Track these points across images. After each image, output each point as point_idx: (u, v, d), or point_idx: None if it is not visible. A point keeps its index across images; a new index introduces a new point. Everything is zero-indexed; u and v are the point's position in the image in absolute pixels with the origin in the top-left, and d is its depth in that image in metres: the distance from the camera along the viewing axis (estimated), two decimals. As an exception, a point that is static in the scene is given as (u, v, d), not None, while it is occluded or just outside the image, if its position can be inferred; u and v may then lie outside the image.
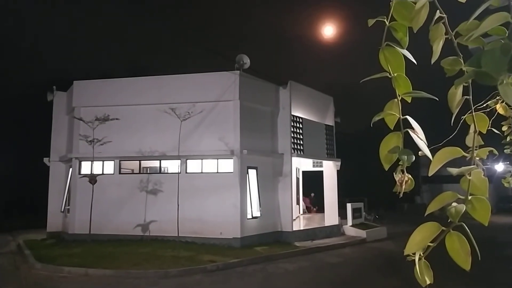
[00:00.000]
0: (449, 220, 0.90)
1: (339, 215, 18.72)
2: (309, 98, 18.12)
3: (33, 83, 26.52)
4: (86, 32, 41.92)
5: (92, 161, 15.16)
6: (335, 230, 18.01)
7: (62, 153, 17.60)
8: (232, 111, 15.22)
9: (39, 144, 19.37)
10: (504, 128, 2.80)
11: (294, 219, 16.95)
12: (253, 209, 15.32)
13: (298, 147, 16.96)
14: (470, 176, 0.93)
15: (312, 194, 25.76)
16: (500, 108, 2.25)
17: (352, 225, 18.26)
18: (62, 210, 17.36)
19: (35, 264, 11.35)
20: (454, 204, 0.91)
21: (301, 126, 17.25)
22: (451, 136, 1.75)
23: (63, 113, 18.03)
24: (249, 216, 15.04)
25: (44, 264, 11.16)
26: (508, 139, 2.82)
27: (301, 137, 17.17)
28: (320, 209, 22.78)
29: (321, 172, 19.83)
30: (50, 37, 38.50)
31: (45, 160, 18.01)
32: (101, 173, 15.57)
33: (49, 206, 17.59)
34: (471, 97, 1.01)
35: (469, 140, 1.17)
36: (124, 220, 15.31)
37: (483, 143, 1.19)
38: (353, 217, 18.59)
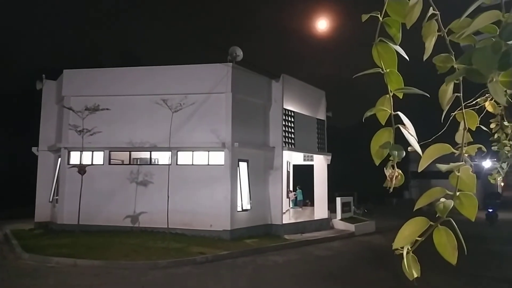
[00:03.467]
0: (437, 215, 0.91)
1: (328, 209, 18.87)
2: (302, 92, 18.13)
3: (22, 72, 26.07)
4: (77, 20, 41.27)
5: (81, 151, 15.00)
6: (325, 224, 18.16)
7: (51, 143, 17.38)
8: (224, 103, 15.17)
9: (28, 133, 19.09)
10: (492, 126, 2.84)
11: (284, 212, 17.04)
12: (244, 201, 15.36)
13: (290, 141, 17.00)
14: (458, 172, 0.94)
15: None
16: (489, 106, 2.28)
17: (341, 219, 18.44)
18: (51, 200, 17.20)
19: (22, 254, 11.24)
20: (442, 199, 0.92)
21: (293, 119, 17.28)
22: (440, 132, 1.77)
23: (53, 102, 17.77)
24: (239, 208, 15.08)
25: (31, 254, 11.07)
26: (496, 136, 2.86)
27: (292, 130, 17.20)
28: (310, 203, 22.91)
29: (312, 166, 19.93)
30: (40, 25, 37.83)
31: (34, 149, 17.76)
32: (90, 163, 15.43)
33: (37, 195, 17.41)
34: (461, 94, 1.02)
35: (458, 137, 1.18)
36: (113, 211, 15.23)
37: (472, 140, 1.21)
38: (343, 211, 18.76)
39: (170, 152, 15.03)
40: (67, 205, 15.39)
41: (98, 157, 16.06)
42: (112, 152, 16.19)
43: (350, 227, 17.62)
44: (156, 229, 14.59)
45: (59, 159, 16.56)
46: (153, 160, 16.09)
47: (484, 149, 1.29)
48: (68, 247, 11.94)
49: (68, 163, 15.99)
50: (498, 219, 22.52)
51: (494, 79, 0.85)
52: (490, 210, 22.02)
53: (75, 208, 13.78)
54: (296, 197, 24.14)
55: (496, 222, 22.17)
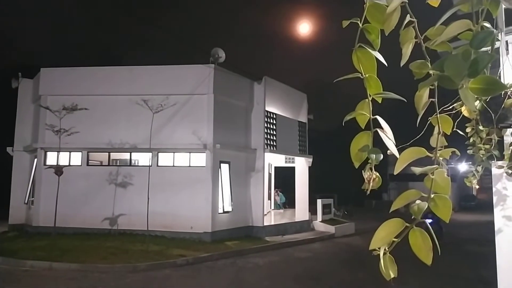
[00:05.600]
0: (412, 217, 0.94)
1: (309, 211, 19.02)
2: (283, 94, 18.24)
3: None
4: (56, 18, 40.39)
5: (58, 151, 14.65)
6: (305, 226, 18.28)
7: (26, 143, 16.91)
8: (206, 104, 15.09)
9: (2, 132, 18.52)
10: (468, 130, 2.93)
11: (265, 214, 17.07)
12: (225, 203, 15.30)
13: (271, 143, 17.07)
14: (433, 175, 0.97)
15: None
16: (465, 111, 2.35)
17: (322, 221, 18.61)
18: (26, 201, 16.71)
19: (-5, 258, 10.88)
20: (417, 201, 0.95)
21: (274, 122, 17.35)
22: (418, 136, 1.81)
23: (29, 101, 17.29)
24: (220, 210, 15.01)
25: (4, 258, 10.70)
26: (471, 140, 2.95)
27: (274, 133, 17.27)
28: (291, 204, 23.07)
29: (293, 168, 20.04)
30: (17, 21, 36.80)
31: (8, 149, 17.24)
32: (67, 164, 15.07)
33: (11, 197, 16.86)
34: (436, 99, 1.06)
35: (433, 141, 1.22)
36: (91, 213, 14.91)
37: (446, 143, 1.25)
38: (323, 213, 18.94)
39: (150, 153, 14.84)
40: (43, 207, 14.98)
41: (76, 158, 15.70)
42: (90, 153, 15.86)
43: (330, 228, 17.80)
44: (135, 231, 14.36)
45: (35, 159, 16.13)
46: (133, 161, 15.85)
47: (458, 152, 1.33)
48: (44, 250, 11.61)
49: (45, 164, 15.57)
50: (443, 233, 14.16)
51: (464, 86, 0.88)
52: (429, 221, 12.15)
53: (52, 210, 13.44)
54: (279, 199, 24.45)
55: (441, 238, 13.50)
